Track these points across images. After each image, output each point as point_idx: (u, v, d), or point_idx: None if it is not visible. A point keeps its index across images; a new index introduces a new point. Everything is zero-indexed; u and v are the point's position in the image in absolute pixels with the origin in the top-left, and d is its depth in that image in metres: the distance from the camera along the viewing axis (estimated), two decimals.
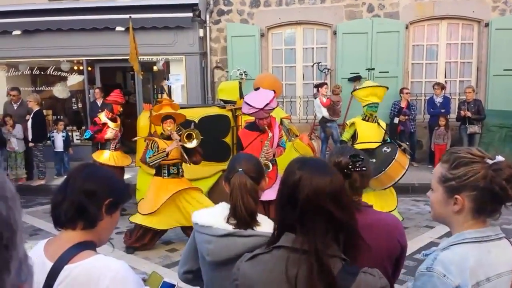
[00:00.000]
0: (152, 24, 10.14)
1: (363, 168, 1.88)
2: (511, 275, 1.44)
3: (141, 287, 1.60)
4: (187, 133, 5.60)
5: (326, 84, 10.06)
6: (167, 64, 11.16)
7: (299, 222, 1.49)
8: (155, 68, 11.92)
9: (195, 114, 6.93)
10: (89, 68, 11.34)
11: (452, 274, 1.41)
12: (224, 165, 5.72)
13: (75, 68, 11.48)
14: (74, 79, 11.50)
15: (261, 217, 2.00)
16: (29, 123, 9.24)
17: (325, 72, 10.76)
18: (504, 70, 10.09)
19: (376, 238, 1.83)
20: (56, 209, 1.62)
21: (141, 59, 8.22)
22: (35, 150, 9.36)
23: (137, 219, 5.75)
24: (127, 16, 7.78)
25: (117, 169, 7.16)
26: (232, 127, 7.01)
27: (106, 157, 7.40)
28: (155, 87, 12.70)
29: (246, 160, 2.08)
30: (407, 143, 8.17)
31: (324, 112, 9.78)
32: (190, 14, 10.37)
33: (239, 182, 1.95)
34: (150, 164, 5.58)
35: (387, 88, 6.59)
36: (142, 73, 8.15)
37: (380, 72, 10.26)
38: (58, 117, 11.35)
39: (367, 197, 2.21)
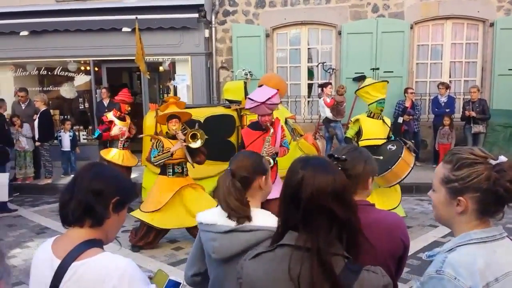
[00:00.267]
0: (158, 25, 10.18)
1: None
2: None
3: (147, 285, 1.61)
4: (192, 133, 5.63)
5: (330, 84, 10.08)
6: (173, 64, 11.21)
7: (302, 221, 1.50)
8: (161, 68, 11.98)
9: (200, 114, 6.97)
10: (96, 69, 11.41)
11: (463, 277, 1.39)
12: None
13: (82, 68, 11.54)
14: (81, 79, 11.57)
15: (255, 211, 1.99)
16: (36, 123, 9.32)
17: (330, 72, 10.77)
18: (509, 69, 10.05)
19: (379, 237, 1.82)
20: (64, 207, 1.64)
21: (147, 60, 8.26)
22: (41, 149, 9.43)
23: (139, 214, 5.76)
24: (133, 17, 7.84)
25: (123, 168, 7.23)
26: (237, 126, 7.04)
27: (113, 154, 7.46)
28: (161, 87, 12.75)
29: (240, 159, 2.09)
30: (413, 141, 8.17)
31: (328, 113, 9.80)
32: (196, 15, 10.41)
33: (221, 181, 1.99)
34: (155, 163, 5.63)
35: (387, 82, 6.58)
36: (148, 73, 8.20)
37: (384, 72, 10.25)
38: (65, 117, 11.44)
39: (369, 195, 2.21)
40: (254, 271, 1.59)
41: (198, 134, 5.63)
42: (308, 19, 10.73)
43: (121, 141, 7.53)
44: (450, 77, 10.71)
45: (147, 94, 11.24)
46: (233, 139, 7.06)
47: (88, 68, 11.41)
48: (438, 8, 10.31)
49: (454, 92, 10.47)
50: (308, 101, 11.10)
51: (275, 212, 1.74)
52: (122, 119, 7.53)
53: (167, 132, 5.78)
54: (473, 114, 9.23)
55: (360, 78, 10.20)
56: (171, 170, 5.74)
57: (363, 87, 6.47)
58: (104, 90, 10.53)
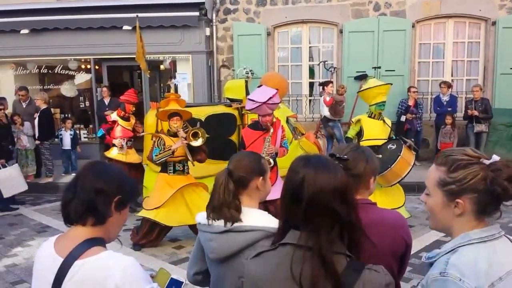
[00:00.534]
0: (159, 23, 10.17)
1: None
2: None
3: (149, 284, 1.60)
4: (193, 131, 5.63)
5: (331, 82, 10.07)
6: (173, 62, 11.20)
7: (303, 220, 1.50)
8: (162, 66, 11.97)
9: (201, 113, 6.95)
10: (97, 67, 11.40)
11: (467, 278, 1.38)
12: None
13: (83, 66, 11.54)
14: (81, 78, 11.57)
15: (251, 211, 2.01)
16: (36, 121, 9.32)
17: (331, 71, 10.75)
18: (511, 68, 10.03)
19: (381, 235, 1.83)
20: (66, 206, 1.64)
21: (148, 58, 8.25)
22: (42, 148, 9.43)
23: (143, 213, 5.79)
24: (134, 15, 7.82)
25: (126, 165, 7.25)
26: (238, 125, 7.03)
27: (115, 153, 7.48)
28: (162, 85, 12.74)
29: (239, 159, 2.10)
30: (412, 139, 8.16)
31: (325, 111, 9.80)
32: (197, 13, 10.39)
33: (216, 180, 2.01)
34: (157, 162, 5.63)
35: (391, 84, 6.58)
36: (149, 71, 8.19)
37: (386, 70, 10.24)
38: (66, 115, 11.45)
39: (372, 194, 2.20)
40: (256, 270, 1.59)
41: (199, 132, 5.63)
42: (310, 18, 10.71)
43: (124, 140, 7.54)
44: (452, 76, 10.70)
45: (148, 93, 11.24)
46: (234, 138, 7.04)
47: (88, 66, 11.41)
48: (440, 7, 10.29)
49: (456, 91, 10.45)
50: (310, 100, 11.08)
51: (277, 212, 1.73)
52: (126, 119, 7.54)
53: (168, 130, 5.78)
54: (476, 113, 9.21)
55: (362, 77, 10.20)
56: (172, 168, 5.74)
57: (366, 89, 6.46)
58: (105, 89, 10.52)
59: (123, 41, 10.20)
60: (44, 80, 11.96)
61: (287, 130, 6.35)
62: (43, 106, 9.35)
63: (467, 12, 10.29)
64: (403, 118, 9.81)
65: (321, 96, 10.03)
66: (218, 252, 1.97)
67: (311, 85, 11.19)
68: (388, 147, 6.12)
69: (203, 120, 6.89)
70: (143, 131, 7.32)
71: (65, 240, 1.65)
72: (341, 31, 10.58)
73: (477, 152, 1.54)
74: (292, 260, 1.48)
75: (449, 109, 9.74)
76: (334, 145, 9.96)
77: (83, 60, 11.44)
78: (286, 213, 1.58)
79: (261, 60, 10.73)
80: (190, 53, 10.76)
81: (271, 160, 5.22)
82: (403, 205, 6.16)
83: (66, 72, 11.48)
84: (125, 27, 10.18)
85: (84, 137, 11.64)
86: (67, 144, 9.93)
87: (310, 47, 11.07)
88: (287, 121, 7.09)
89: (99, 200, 1.61)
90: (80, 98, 11.89)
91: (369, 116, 6.42)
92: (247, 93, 7.27)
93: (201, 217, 2.09)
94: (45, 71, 11.67)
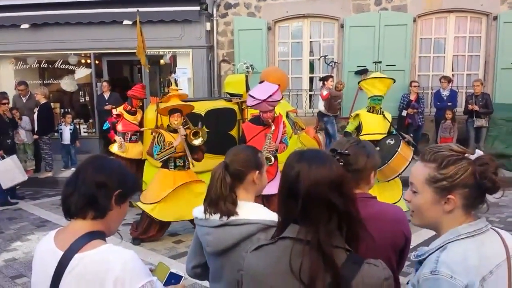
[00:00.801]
0: (159, 18, 10.14)
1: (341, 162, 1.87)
2: (507, 263, 1.44)
3: (149, 276, 1.61)
4: (194, 131, 5.64)
5: (332, 77, 10.06)
6: (174, 57, 11.18)
7: (301, 214, 1.50)
8: (162, 61, 11.95)
9: (201, 107, 6.94)
10: (97, 62, 11.38)
11: (459, 274, 1.38)
12: None
13: (83, 61, 11.52)
14: (81, 73, 11.55)
15: (247, 204, 2.03)
16: (35, 116, 9.32)
17: (331, 66, 10.73)
18: None
19: (380, 229, 1.83)
20: (66, 200, 1.65)
21: (148, 53, 8.24)
22: (41, 142, 9.43)
23: (139, 204, 5.76)
24: (134, 9, 7.81)
25: (127, 160, 7.29)
26: (238, 120, 7.02)
27: (116, 149, 7.51)
28: (162, 80, 12.73)
29: (236, 152, 2.12)
30: (411, 134, 8.16)
31: (321, 106, 9.81)
32: (197, 8, 10.37)
33: (213, 173, 2.02)
34: (159, 160, 5.64)
35: (393, 80, 6.55)
36: (148, 66, 8.18)
37: (387, 65, 10.21)
38: (66, 110, 11.44)
39: (371, 188, 2.21)
40: (255, 264, 1.60)
41: (200, 132, 5.64)
42: (310, 12, 10.68)
43: (128, 134, 7.57)
44: (452, 70, 10.68)
45: (148, 88, 11.21)
46: (234, 132, 7.04)
47: (88, 61, 11.39)
48: (442, 1, 10.26)
49: (457, 86, 10.45)
50: (310, 95, 11.07)
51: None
52: (132, 113, 7.56)
53: (168, 125, 5.77)
54: (476, 108, 9.19)
55: (362, 72, 10.18)
56: (172, 164, 5.75)
57: (368, 78, 6.43)
58: (105, 83, 10.52)
59: (123, 36, 10.19)
60: (44, 75, 11.95)
61: (287, 125, 6.34)
62: (43, 101, 9.34)
63: (468, 7, 10.26)
64: (404, 113, 9.81)
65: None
66: (214, 246, 1.99)
67: (312, 80, 11.17)
68: (387, 142, 6.12)
69: (203, 115, 6.89)
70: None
71: (65, 233, 1.65)
72: (342, 26, 10.55)
73: (462, 147, 1.55)
74: (291, 254, 1.48)
75: (449, 104, 9.73)
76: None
77: (83, 55, 11.42)
78: (284, 208, 1.58)
79: (261, 55, 10.70)
80: (190, 47, 10.74)
81: (272, 158, 5.23)
82: (400, 199, 6.15)
83: (66, 66, 11.46)
84: (126, 22, 10.16)
85: (84, 132, 11.64)
86: (66, 138, 9.93)
87: (310, 41, 11.04)
88: (287, 115, 7.08)
89: (100, 193, 1.62)
90: (80, 92, 11.89)
91: (368, 111, 6.41)
92: (247, 88, 7.26)
93: (198, 211, 2.11)
94: (45, 66, 11.66)
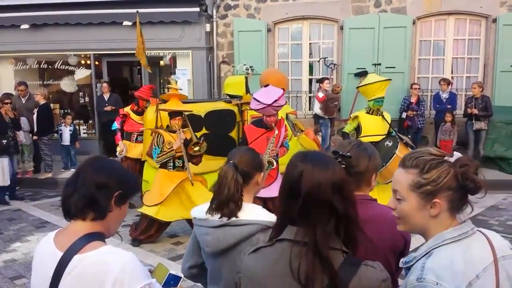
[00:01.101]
0: (159, 19, 10.15)
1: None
2: (494, 266, 1.43)
3: (148, 278, 1.61)
4: (195, 142, 5.67)
5: (327, 79, 10.08)
6: (173, 58, 11.19)
7: (300, 215, 1.50)
8: (162, 62, 11.95)
9: (201, 109, 6.94)
10: (97, 62, 11.39)
11: (445, 281, 1.38)
12: None
13: (83, 62, 11.52)
14: (81, 73, 11.55)
15: (247, 205, 2.03)
16: (35, 117, 9.31)
17: (331, 68, 10.74)
18: (511, 66, 10.02)
19: (380, 231, 1.84)
20: (66, 200, 1.65)
21: (148, 54, 8.24)
22: (40, 143, 9.42)
23: (144, 209, 5.79)
24: (134, 10, 7.81)
25: (132, 160, 7.34)
26: (238, 122, 7.02)
27: (120, 149, 7.57)
28: (161, 81, 12.74)
29: (242, 153, 2.13)
30: (409, 136, 8.16)
31: (317, 109, 9.84)
32: (197, 9, 10.38)
33: (225, 174, 2.00)
34: (158, 162, 5.65)
35: (390, 79, 6.58)
36: (149, 67, 8.19)
37: (386, 67, 10.23)
38: (66, 111, 11.44)
39: (371, 191, 2.21)
40: (253, 266, 1.60)
41: (200, 146, 5.67)
42: (310, 14, 10.69)
43: (134, 134, 7.62)
44: (452, 73, 10.69)
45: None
46: (233, 134, 7.04)
47: (88, 62, 11.39)
48: (441, 4, 10.27)
49: (456, 88, 10.45)
50: (309, 97, 11.08)
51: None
52: (139, 113, 7.59)
53: (167, 126, 5.78)
54: (475, 111, 9.16)
55: (362, 74, 10.18)
56: (171, 164, 5.76)
57: (366, 84, 6.45)
58: (105, 84, 10.53)
59: (123, 37, 10.20)
60: (44, 76, 11.94)
61: (288, 128, 6.35)
62: (42, 101, 9.34)
63: (467, 9, 10.28)
64: (404, 115, 9.81)
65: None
66: (214, 246, 1.99)
67: (311, 81, 11.17)
68: (385, 144, 6.13)
69: (202, 116, 6.89)
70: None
71: (64, 234, 1.65)
72: (341, 28, 10.56)
73: (440, 151, 1.56)
74: (291, 256, 1.48)
75: (449, 106, 9.73)
76: (333, 141, 9.97)
77: (83, 56, 11.43)
78: (284, 208, 1.59)
79: (261, 56, 10.71)
80: (190, 49, 10.75)
81: (274, 162, 5.25)
82: None
83: (66, 67, 11.46)
84: (125, 23, 10.17)
85: (84, 133, 11.64)
86: (66, 139, 9.93)
87: (310, 43, 11.05)
88: (287, 117, 7.08)
89: (100, 194, 1.62)
90: (80, 93, 11.88)
91: (368, 112, 6.43)
92: (247, 89, 7.27)
93: (196, 211, 2.11)
94: (45, 67, 11.65)
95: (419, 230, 1.59)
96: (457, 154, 1.53)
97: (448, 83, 9.96)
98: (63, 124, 10.05)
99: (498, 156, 9.39)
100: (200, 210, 2.10)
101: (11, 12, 10.54)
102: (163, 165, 5.77)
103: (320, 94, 9.68)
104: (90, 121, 11.67)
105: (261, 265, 1.58)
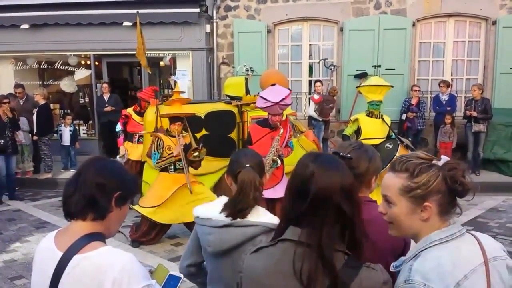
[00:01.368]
0: (159, 20, 10.16)
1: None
2: (484, 267, 1.44)
3: (147, 280, 1.61)
4: (195, 148, 5.66)
5: (320, 81, 10.16)
6: (173, 59, 11.19)
7: (307, 215, 1.50)
8: (161, 63, 11.96)
9: (201, 110, 6.95)
10: (97, 63, 11.40)
11: (432, 282, 1.39)
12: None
13: (83, 62, 11.53)
14: (81, 74, 11.55)
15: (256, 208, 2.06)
16: (34, 117, 9.31)
17: (331, 69, 10.75)
18: (511, 68, 10.03)
19: (379, 233, 1.83)
20: (67, 200, 1.65)
21: (148, 54, 8.25)
22: (40, 144, 9.42)
23: (139, 209, 5.76)
24: (134, 11, 7.81)
25: (133, 161, 7.36)
26: (238, 123, 7.03)
27: (121, 153, 7.61)
28: (161, 82, 12.74)
29: (252, 156, 2.17)
30: (409, 138, 8.18)
31: (311, 111, 9.88)
32: (197, 10, 10.40)
33: (249, 178, 2.03)
34: (158, 168, 5.65)
35: (391, 86, 6.58)
36: (149, 68, 8.20)
37: (386, 69, 10.24)
38: (65, 111, 11.45)
39: (372, 193, 2.22)
40: (254, 265, 1.61)
41: (199, 152, 5.66)
42: (310, 15, 10.70)
43: (136, 136, 7.66)
44: (452, 75, 10.70)
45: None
46: (233, 135, 7.05)
47: (88, 62, 11.40)
48: (441, 6, 10.28)
49: (456, 91, 10.46)
50: (309, 98, 11.07)
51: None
52: (141, 114, 7.61)
53: (167, 129, 5.77)
54: (475, 114, 9.14)
55: (362, 75, 10.21)
56: (172, 167, 5.74)
57: (367, 85, 6.47)
58: (105, 85, 10.54)
59: (123, 37, 10.20)
60: (43, 76, 11.95)
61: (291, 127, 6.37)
62: (42, 102, 9.34)
63: (467, 11, 10.29)
64: (403, 117, 9.82)
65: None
66: (216, 246, 2.00)
67: (311, 83, 11.18)
68: (385, 146, 6.14)
69: (202, 117, 6.89)
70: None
71: (65, 234, 1.66)
72: (341, 29, 10.57)
73: (428, 154, 1.57)
74: (294, 256, 1.48)
75: (448, 108, 9.73)
76: (333, 142, 9.99)
77: (83, 56, 11.43)
78: (289, 208, 1.59)
79: (261, 57, 10.72)
80: (190, 49, 10.76)
81: (279, 160, 5.26)
82: None
83: (66, 67, 11.47)
84: (126, 23, 10.18)
85: (84, 133, 11.64)
86: (66, 140, 9.93)
87: (310, 45, 11.05)
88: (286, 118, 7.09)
89: (100, 195, 1.63)
90: (80, 94, 11.89)
91: (367, 115, 6.44)
92: (247, 90, 7.27)
93: (199, 210, 2.11)
94: (45, 67, 11.66)
95: (410, 234, 1.60)
96: (444, 158, 1.54)
97: (448, 85, 9.96)
98: (63, 125, 10.05)
99: (497, 158, 9.39)
100: (202, 209, 2.10)
101: (11, 12, 10.55)
102: (164, 169, 5.75)
103: (316, 96, 9.73)
104: (90, 122, 11.68)
105: (262, 265, 1.58)
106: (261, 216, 2.02)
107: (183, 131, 5.74)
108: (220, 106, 7.23)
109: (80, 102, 11.96)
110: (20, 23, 10.57)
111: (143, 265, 1.67)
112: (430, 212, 1.51)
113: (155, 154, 5.60)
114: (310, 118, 10.02)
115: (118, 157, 7.61)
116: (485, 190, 8.07)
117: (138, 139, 7.63)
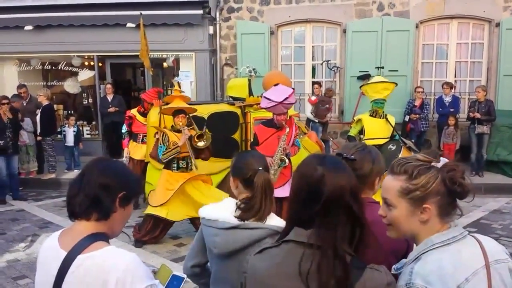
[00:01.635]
0: (162, 21, 10.18)
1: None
2: (485, 270, 1.44)
3: (151, 279, 1.62)
4: (198, 134, 5.67)
5: (318, 83, 10.25)
6: (177, 60, 11.21)
7: (319, 217, 1.50)
8: (165, 64, 11.97)
9: (204, 111, 6.96)
10: (100, 64, 11.42)
11: (433, 285, 1.38)
12: None
13: (86, 63, 11.55)
14: (85, 75, 11.58)
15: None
16: (38, 117, 9.34)
17: (334, 71, 10.75)
18: None
19: (382, 234, 1.84)
20: (71, 200, 1.66)
21: (151, 56, 8.27)
22: (44, 144, 9.45)
23: (152, 210, 5.77)
24: (138, 12, 7.84)
25: (136, 161, 7.44)
26: (241, 124, 7.04)
27: (126, 153, 7.65)
28: (165, 83, 12.77)
29: (261, 158, 2.19)
30: (413, 140, 8.17)
31: (307, 112, 9.91)
32: (200, 11, 10.41)
33: (265, 181, 2.04)
34: (164, 160, 5.64)
35: (395, 84, 6.57)
36: (152, 69, 8.21)
37: (389, 71, 10.21)
38: (69, 112, 11.48)
39: (375, 194, 2.23)
40: (259, 266, 1.61)
41: (205, 136, 5.68)
42: (313, 17, 10.71)
43: (140, 136, 7.69)
44: (455, 77, 10.69)
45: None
46: (236, 136, 7.05)
47: (92, 63, 11.42)
48: (444, 8, 10.28)
49: (459, 92, 10.44)
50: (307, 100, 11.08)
51: None
52: (145, 115, 7.64)
53: (172, 126, 5.79)
54: (478, 115, 9.12)
55: (365, 77, 10.20)
56: (175, 165, 5.75)
57: (371, 83, 6.47)
58: (109, 86, 10.57)
59: (126, 39, 10.22)
60: (47, 77, 11.97)
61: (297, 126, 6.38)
62: (45, 102, 9.37)
63: (471, 13, 10.28)
64: (406, 118, 9.81)
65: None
66: (222, 247, 1.99)
67: (314, 84, 11.18)
68: (388, 148, 6.13)
69: (206, 118, 6.90)
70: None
71: (69, 234, 1.67)
72: (344, 31, 10.57)
73: (427, 156, 1.57)
74: (302, 257, 1.48)
75: (452, 110, 9.71)
76: (336, 143, 9.99)
77: (86, 57, 11.46)
78: (296, 209, 1.58)
79: (264, 59, 10.73)
80: (193, 51, 10.78)
81: (286, 160, 5.27)
82: None
83: (70, 68, 11.49)
84: (129, 25, 10.20)
85: (87, 134, 11.67)
86: (70, 140, 9.95)
87: (313, 46, 11.06)
88: None
89: (104, 195, 1.64)
90: (83, 95, 11.91)
91: (371, 115, 6.44)
92: (250, 91, 7.28)
93: (205, 211, 2.11)
94: (49, 68, 11.68)
95: (410, 236, 1.60)
96: (443, 160, 1.54)
97: (451, 86, 9.95)
98: (66, 125, 10.09)
99: (501, 160, 9.36)
100: (209, 210, 2.10)
101: (15, 13, 10.59)
102: (167, 166, 5.77)
103: (313, 97, 9.77)
104: (94, 122, 11.70)
105: (266, 265, 1.58)
106: (269, 219, 2.03)
107: (189, 126, 5.74)
108: (223, 107, 7.24)
109: (84, 103, 11.99)
110: (24, 24, 10.61)
111: (146, 265, 1.67)
112: (429, 213, 1.51)
113: (161, 147, 5.61)
114: (308, 120, 10.07)
115: (124, 158, 7.68)
116: (489, 192, 8.06)
117: (142, 139, 7.66)
